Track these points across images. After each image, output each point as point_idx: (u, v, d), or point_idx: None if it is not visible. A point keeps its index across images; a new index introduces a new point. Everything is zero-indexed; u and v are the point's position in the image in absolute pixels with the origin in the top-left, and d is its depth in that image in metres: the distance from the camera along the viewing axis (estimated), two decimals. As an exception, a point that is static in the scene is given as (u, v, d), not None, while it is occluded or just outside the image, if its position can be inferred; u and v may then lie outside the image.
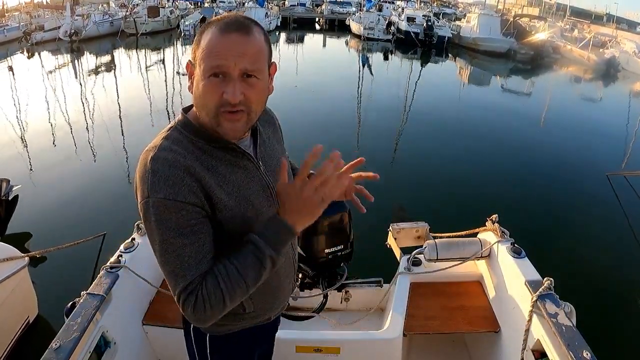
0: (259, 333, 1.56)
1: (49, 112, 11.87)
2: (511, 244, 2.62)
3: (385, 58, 27.65)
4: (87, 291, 2.23)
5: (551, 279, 2.23)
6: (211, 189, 1.16)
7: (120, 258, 2.50)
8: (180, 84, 16.34)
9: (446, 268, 2.77)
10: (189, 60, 1.19)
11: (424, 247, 2.79)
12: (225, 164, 1.22)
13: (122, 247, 2.63)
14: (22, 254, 3.63)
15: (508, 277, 2.53)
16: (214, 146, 1.21)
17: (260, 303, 1.42)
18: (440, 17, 38.77)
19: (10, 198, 5.41)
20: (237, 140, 1.24)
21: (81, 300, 2.16)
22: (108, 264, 2.45)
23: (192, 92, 1.19)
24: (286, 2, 48.99)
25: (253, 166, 1.29)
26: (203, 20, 31.46)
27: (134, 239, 2.71)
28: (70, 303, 2.15)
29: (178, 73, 18.57)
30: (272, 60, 1.22)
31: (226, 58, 1.09)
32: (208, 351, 1.48)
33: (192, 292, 1.11)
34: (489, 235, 2.80)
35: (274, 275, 1.32)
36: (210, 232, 1.17)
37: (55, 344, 1.87)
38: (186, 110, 1.28)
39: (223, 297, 1.11)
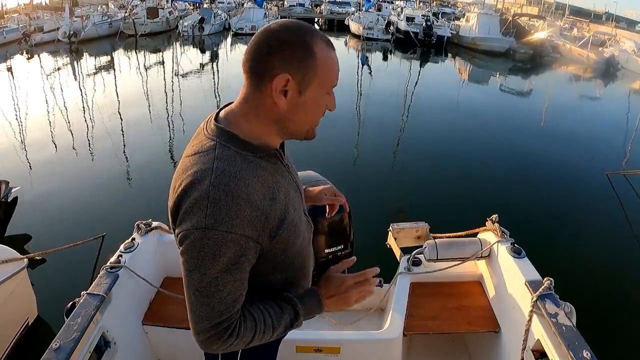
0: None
1: (48, 114, 11.85)
2: (511, 244, 2.62)
3: (385, 58, 27.65)
4: (87, 291, 2.23)
5: (551, 279, 2.23)
6: (269, 211, 1.12)
7: (120, 258, 2.50)
8: (180, 86, 16.33)
9: (446, 268, 2.77)
10: (288, 74, 1.10)
11: (424, 247, 2.79)
12: (272, 173, 1.18)
13: (122, 247, 2.63)
14: (21, 256, 3.63)
15: (508, 277, 2.53)
16: (259, 156, 1.16)
17: None
18: (440, 16, 38.75)
19: (9, 200, 5.41)
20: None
21: (81, 300, 2.16)
22: (108, 264, 2.45)
23: (284, 108, 1.14)
24: (285, 3, 49.03)
25: (285, 170, 1.27)
26: (202, 20, 31.42)
27: (134, 239, 2.71)
28: (70, 303, 2.15)
29: (177, 74, 18.55)
30: None
31: (338, 76, 1.19)
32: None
33: (227, 328, 1.14)
34: (489, 235, 2.80)
35: (309, 273, 1.47)
36: (251, 266, 1.17)
37: (55, 344, 1.87)
38: (216, 118, 1.21)
39: (251, 342, 1.20)
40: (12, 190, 5.48)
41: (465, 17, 34.16)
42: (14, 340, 3.57)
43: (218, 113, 1.22)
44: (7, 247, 3.66)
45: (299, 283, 1.42)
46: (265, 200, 1.11)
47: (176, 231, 1.11)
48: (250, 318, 1.19)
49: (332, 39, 1.16)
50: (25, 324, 3.77)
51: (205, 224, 1.03)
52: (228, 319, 1.13)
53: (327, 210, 1.66)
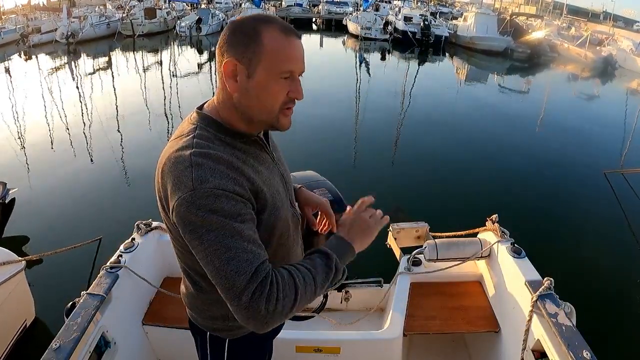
0: (271, 332, 1.57)
1: (46, 115, 11.83)
2: (511, 244, 2.61)
3: (383, 58, 27.65)
4: (87, 291, 2.23)
5: (551, 279, 2.23)
6: (253, 180, 1.17)
7: (120, 258, 2.50)
8: (177, 86, 16.31)
9: (446, 268, 2.77)
10: (235, 59, 1.16)
11: (424, 247, 2.79)
12: (253, 157, 1.25)
13: (122, 247, 2.63)
14: (19, 258, 3.62)
15: (508, 277, 2.53)
16: (240, 141, 1.23)
17: None
18: (437, 16, 38.75)
19: (7, 201, 5.39)
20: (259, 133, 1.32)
21: (81, 300, 2.16)
22: (108, 264, 2.45)
23: (236, 92, 1.20)
24: (283, 3, 49.03)
25: (269, 158, 1.33)
26: (199, 21, 31.39)
27: (133, 239, 2.71)
28: (70, 303, 2.15)
29: (175, 74, 18.52)
30: None
31: (298, 62, 1.19)
32: (225, 357, 1.47)
33: (266, 279, 1.07)
34: (489, 235, 2.80)
35: None
36: (255, 224, 1.16)
37: (55, 344, 1.86)
38: (200, 108, 1.29)
39: (296, 291, 1.10)
40: (10, 192, 5.46)
41: (463, 16, 34.22)
42: (12, 342, 3.56)
43: (203, 104, 1.31)
44: (4, 249, 3.66)
45: None
46: (245, 168, 1.16)
47: (170, 207, 1.12)
48: (285, 271, 1.13)
49: (330, 39, 1.18)
50: (23, 325, 3.76)
51: (193, 185, 1.07)
52: (261, 265, 1.08)
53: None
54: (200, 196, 1.06)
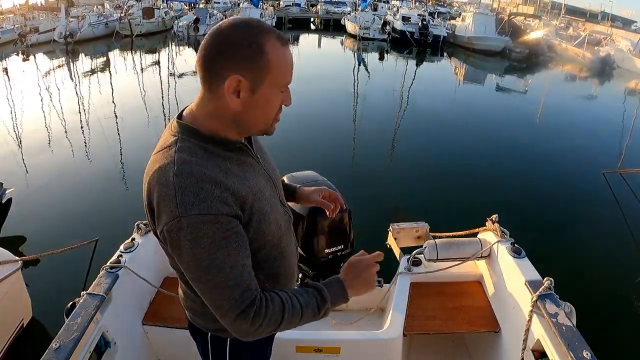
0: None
1: (43, 115, 11.80)
2: (511, 244, 2.62)
3: (381, 57, 27.67)
4: (87, 291, 2.22)
5: (551, 279, 2.23)
6: (238, 191, 1.14)
7: (120, 258, 2.50)
8: (175, 86, 16.29)
9: (446, 268, 2.77)
10: (240, 75, 1.10)
11: (424, 247, 2.79)
12: (236, 164, 1.21)
13: (122, 247, 2.63)
14: (16, 257, 3.62)
15: (508, 277, 2.53)
16: (223, 149, 1.20)
17: None
18: (435, 16, 38.81)
19: (3, 201, 5.38)
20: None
21: (81, 300, 2.15)
22: (108, 264, 2.44)
23: (239, 107, 1.15)
24: (281, 3, 49.03)
25: (255, 161, 1.31)
26: (197, 20, 31.32)
27: (133, 239, 2.70)
28: (70, 303, 2.15)
29: (173, 74, 18.49)
30: None
31: (292, 73, 1.19)
32: (227, 357, 1.47)
33: (251, 305, 1.14)
34: (489, 235, 2.80)
35: (291, 266, 1.47)
36: (246, 240, 1.17)
37: (55, 344, 1.86)
38: (179, 117, 1.25)
39: (280, 324, 1.20)
40: (7, 192, 5.45)
41: (461, 16, 34.31)
42: (9, 341, 3.56)
43: (181, 113, 1.26)
44: (1, 248, 3.65)
45: (280, 281, 1.42)
46: (229, 180, 1.14)
47: (157, 230, 1.14)
48: (278, 298, 1.20)
49: (328, 39, 1.16)
50: (20, 325, 3.75)
51: (178, 212, 1.06)
52: (245, 292, 1.13)
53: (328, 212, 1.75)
54: (185, 224, 1.06)
